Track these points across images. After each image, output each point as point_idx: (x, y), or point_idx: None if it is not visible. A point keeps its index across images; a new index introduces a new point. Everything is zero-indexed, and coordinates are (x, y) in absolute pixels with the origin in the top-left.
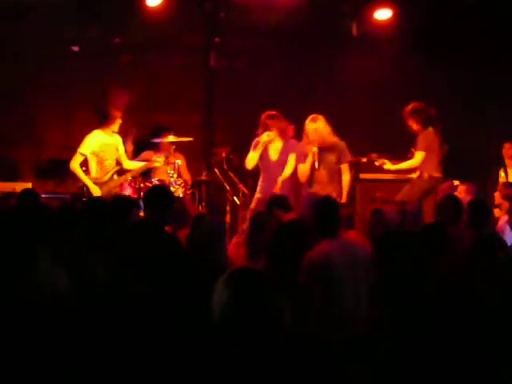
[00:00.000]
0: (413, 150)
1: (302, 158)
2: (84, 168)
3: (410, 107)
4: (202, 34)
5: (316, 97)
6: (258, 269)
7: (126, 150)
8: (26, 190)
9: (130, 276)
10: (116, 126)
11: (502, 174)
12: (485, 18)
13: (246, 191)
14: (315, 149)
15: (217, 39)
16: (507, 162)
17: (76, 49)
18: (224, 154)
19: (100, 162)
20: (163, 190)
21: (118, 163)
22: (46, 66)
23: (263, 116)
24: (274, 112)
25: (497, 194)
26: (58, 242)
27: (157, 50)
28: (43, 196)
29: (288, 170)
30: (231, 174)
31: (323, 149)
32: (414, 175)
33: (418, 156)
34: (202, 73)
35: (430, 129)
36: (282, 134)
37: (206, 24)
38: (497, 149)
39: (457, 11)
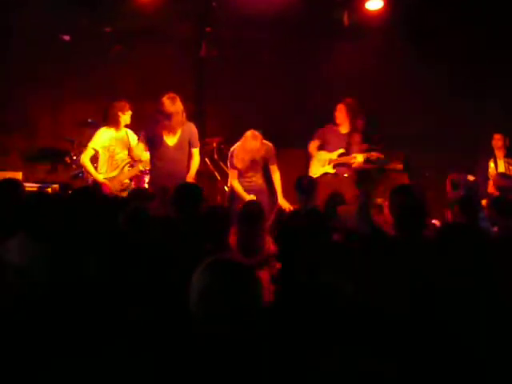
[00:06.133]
0: None
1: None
2: (95, 164)
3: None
4: (194, 23)
5: (306, 86)
6: (233, 258)
7: None
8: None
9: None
10: (119, 125)
11: (492, 164)
12: (477, 7)
13: None
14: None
15: (208, 29)
16: (497, 153)
17: (67, 38)
18: (215, 144)
19: (111, 157)
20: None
21: (130, 156)
22: (37, 54)
23: None
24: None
25: (490, 183)
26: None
27: (147, 40)
28: (33, 185)
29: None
30: (222, 164)
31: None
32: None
33: None
34: (192, 62)
35: None
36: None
37: (198, 13)
38: (486, 139)
39: (448, 1)
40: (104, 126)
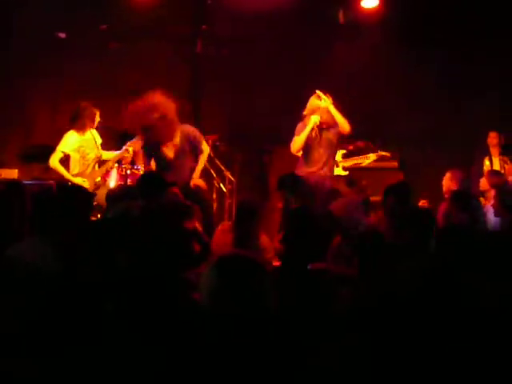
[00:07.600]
0: None
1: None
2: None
3: None
4: (189, 21)
5: (302, 84)
6: (246, 255)
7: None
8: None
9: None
10: (85, 130)
11: (487, 162)
12: (473, 6)
13: (232, 178)
14: (318, 118)
15: (204, 26)
16: (492, 150)
17: (63, 35)
18: (210, 141)
19: (82, 157)
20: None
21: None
22: (34, 52)
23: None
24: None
25: (483, 181)
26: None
27: (143, 37)
28: (28, 182)
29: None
30: (218, 162)
31: (324, 128)
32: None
33: None
34: (188, 60)
35: None
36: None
37: (193, 11)
38: (481, 137)
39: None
40: (71, 129)
